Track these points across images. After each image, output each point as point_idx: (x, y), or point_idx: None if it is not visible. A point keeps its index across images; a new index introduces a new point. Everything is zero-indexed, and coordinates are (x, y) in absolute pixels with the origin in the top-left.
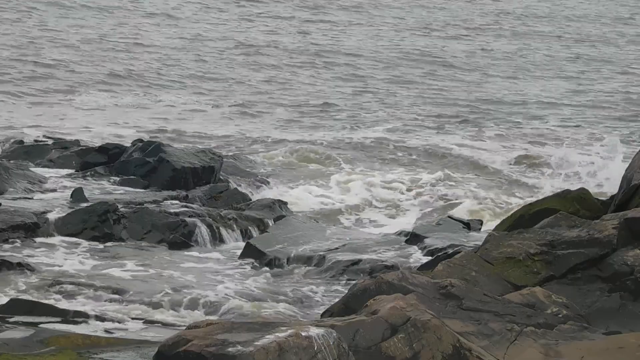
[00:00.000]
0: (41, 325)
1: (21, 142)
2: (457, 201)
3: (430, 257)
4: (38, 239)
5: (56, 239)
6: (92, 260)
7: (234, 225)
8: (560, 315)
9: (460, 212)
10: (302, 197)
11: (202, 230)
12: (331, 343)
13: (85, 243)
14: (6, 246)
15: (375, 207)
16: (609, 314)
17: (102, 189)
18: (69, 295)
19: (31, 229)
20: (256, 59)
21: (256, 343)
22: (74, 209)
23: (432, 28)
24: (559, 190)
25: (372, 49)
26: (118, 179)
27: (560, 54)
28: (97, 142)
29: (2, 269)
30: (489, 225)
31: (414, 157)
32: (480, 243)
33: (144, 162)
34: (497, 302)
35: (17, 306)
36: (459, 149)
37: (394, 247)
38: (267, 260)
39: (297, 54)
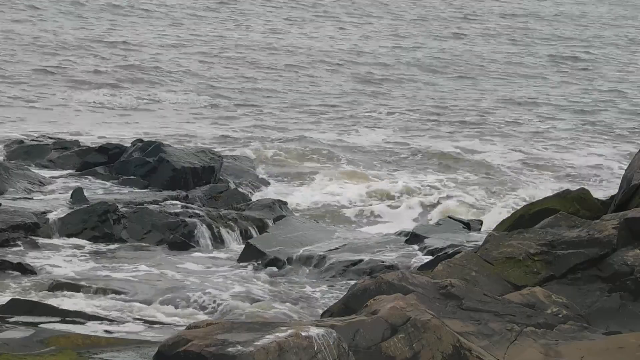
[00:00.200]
0: (41, 325)
1: (21, 142)
2: (457, 201)
3: (430, 257)
4: (38, 239)
5: (56, 239)
6: (92, 261)
7: (234, 226)
8: (560, 315)
9: (460, 213)
10: (302, 197)
11: (202, 231)
12: (331, 343)
13: (85, 243)
14: (6, 246)
15: (376, 207)
16: (609, 314)
17: (102, 189)
18: (69, 296)
19: (31, 229)
20: (256, 59)
21: (256, 343)
22: (74, 209)
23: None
24: (559, 190)
25: (372, 50)
26: (118, 179)
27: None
28: (97, 142)
29: (2, 269)
30: (489, 225)
31: (415, 157)
32: (480, 243)
33: (144, 162)
34: (497, 302)
35: (17, 306)
36: (459, 150)
37: (394, 247)
38: (267, 260)
39: (296, 54)
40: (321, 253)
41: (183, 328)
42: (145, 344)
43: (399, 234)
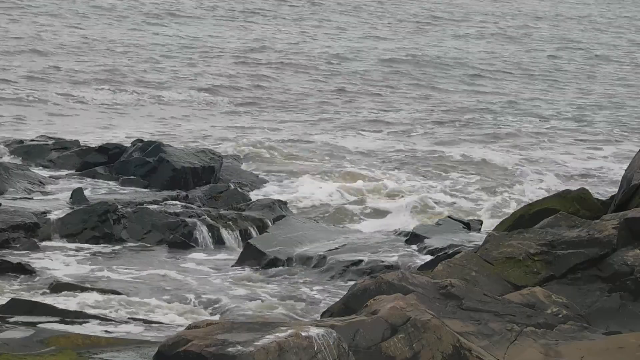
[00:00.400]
0: (41, 325)
1: (21, 142)
2: (457, 202)
3: (430, 257)
4: (38, 239)
5: (56, 239)
6: (92, 261)
7: (234, 226)
8: (560, 315)
9: (460, 213)
10: (302, 197)
11: (202, 231)
12: (331, 343)
13: (85, 243)
14: (6, 246)
15: (376, 207)
16: (609, 314)
17: (102, 189)
18: (69, 296)
19: (31, 229)
20: (256, 60)
21: (256, 343)
22: (74, 209)
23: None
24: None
25: (372, 51)
26: (118, 179)
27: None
28: (97, 142)
29: (2, 269)
30: (489, 225)
31: (415, 158)
32: (480, 243)
33: (144, 162)
34: (497, 302)
35: (17, 306)
36: (459, 150)
37: (394, 247)
38: (267, 260)
39: (297, 54)
40: (321, 253)
41: (183, 328)
42: (145, 344)
43: (399, 234)
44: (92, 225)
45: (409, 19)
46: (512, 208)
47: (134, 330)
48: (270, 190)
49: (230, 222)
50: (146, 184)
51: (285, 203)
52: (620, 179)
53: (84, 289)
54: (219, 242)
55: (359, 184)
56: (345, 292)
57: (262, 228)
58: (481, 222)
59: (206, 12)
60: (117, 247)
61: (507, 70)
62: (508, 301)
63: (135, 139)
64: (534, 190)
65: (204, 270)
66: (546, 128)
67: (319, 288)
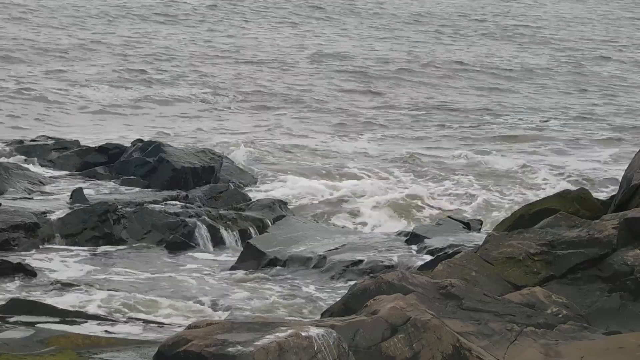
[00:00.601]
0: (41, 325)
1: (21, 142)
2: (457, 202)
3: (430, 257)
4: (38, 239)
5: (56, 239)
6: (92, 261)
7: (234, 226)
8: (560, 315)
9: (460, 213)
10: (302, 197)
11: (202, 231)
12: (331, 343)
13: (85, 243)
14: (6, 246)
15: (376, 207)
16: (609, 314)
17: (102, 189)
18: (69, 296)
19: (31, 229)
20: (257, 60)
21: (256, 343)
22: (74, 209)
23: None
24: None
25: (373, 51)
26: (118, 179)
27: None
28: (97, 142)
29: (2, 269)
30: (489, 225)
31: (415, 158)
32: (480, 243)
33: (144, 162)
34: (497, 302)
35: (17, 306)
36: (459, 151)
37: (394, 247)
38: (267, 260)
39: (297, 54)
40: (321, 253)
41: (183, 328)
42: (145, 344)
43: (399, 234)
44: (92, 225)
45: (404, 20)
46: (513, 208)
47: (134, 330)
48: (270, 190)
49: (230, 222)
50: (146, 184)
51: (285, 203)
52: (620, 179)
53: (84, 289)
54: (219, 242)
55: (359, 184)
56: (345, 292)
57: (262, 228)
58: (481, 222)
59: (206, 11)
60: (117, 247)
61: (507, 70)
62: (508, 301)
63: (135, 139)
64: (533, 190)
65: (204, 270)
66: (546, 128)
67: (319, 288)
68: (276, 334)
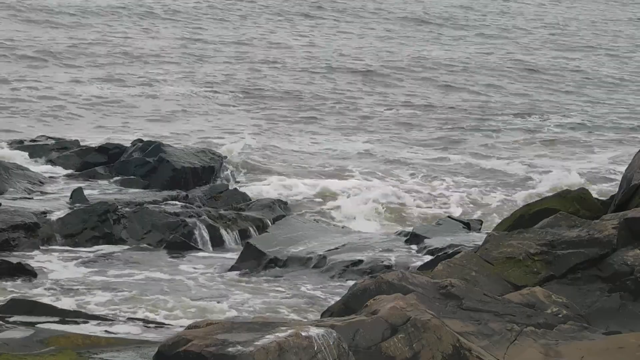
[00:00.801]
0: (41, 325)
1: (21, 142)
2: (456, 202)
3: (430, 257)
4: (38, 239)
5: (56, 239)
6: (92, 261)
7: (234, 226)
8: (560, 315)
9: (460, 213)
10: (301, 197)
11: (202, 231)
12: (331, 343)
13: (85, 243)
14: (6, 246)
15: (375, 207)
16: (609, 314)
17: (102, 189)
18: (69, 295)
19: (31, 229)
20: (257, 61)
21: (256, 343)
22: (74, 209)
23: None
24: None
25: (372, 51)
26: (118, 179)
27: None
28: (97, 142)
29: (2, 269)
30: (489, 225)
31: (416, 159)
32: (480, 243)
33: (144, 162)
34: (497, 302)
35: (17, 306)
36: (459, 152)
37: (394, 247)
38: (267, 260)
39: (297, 56)
40: (321, 253)
41: (183, 328)
42: (145, 344)
43: (399, 234)
44: (92, 225)
45: (402, 21)
46: (512, 208)
47: (134, 330)
48: (269, 191)
49: (230, 222)
50: (146, 184)
51: (285, 203)
52: (619, 179)
53: (84, 289)
54: (219, 242)
55: (361, 184)
56: (345, 292)
57: (262, 228)
58: (481, 222)
59: (205, 11)
60: (117, 247)
61: (506, 71)
62: (508, 301)
63: (135, 138)
64: (533, 190)
65: (204, 270)
66: (545, 129)
67: (319, 288)
68: (276, 334)
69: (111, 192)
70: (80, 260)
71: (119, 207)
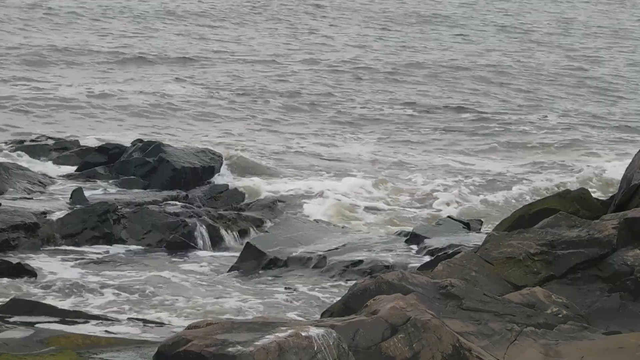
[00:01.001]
0: (41, 325)
1: (21, 142)
2: (456, 202)
3: (430, 257)
4: (38, 239)
5: (56, 239)
6: (92, 261)
7: (234, 226)
8: (560, 315)
9: (460, 214)
10: (301, 197)
11: (202, 231)
12: (331, 343)
13: (85, 243)
14: (6, 246)
15: (376, 207)
16: (609, 314)
17: (102, 188)
18: (69, 296)
19: (31, 229)
20: (259, 61)
21: (256, 343)
22: (73, 209)
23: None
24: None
25: (372, 53)
26: (118, 179)
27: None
28: (97, 142)
29: (2, 269)
30: (489, 225)
31: (416, 159)
32: (480, 243)
33: (144, 162)
34: (497, 302)
35: (17, 306)
36: (458, 153)
37: (394, 247)
38: (267, 260)
39: (298, 57)
40: (321, 253)
41: (183, 328)
42: (145, 344)
43: (399, 234)
44: (92, 225)
45: (401, 21)
46: (512, 208)
47: (134, 330)
48: (268, 191)
49: (230, 222)
50: (146, 184)
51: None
52: (619, 179)
53: (83, 289)
54: (219, 242)
55: (362, 184)
56: (345, 292)
57: (262, 228)
58: (481, 222)
59: (205, 10)
60: (117, 248)
61: (507, 67)
62: (508, 301)
63: (135, 139)
64: (533, 191)
65: (204, 270)
66: (545, 129)
67: (319, 288)
68: (276, 334)
69: (111, 192)
70: (80, 260)
71: (119, 207)
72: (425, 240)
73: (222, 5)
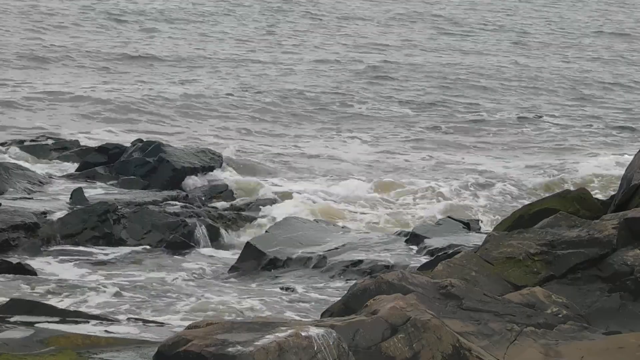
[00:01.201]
0: (41, 325)
1: (21, 142)
2: (455, 203)
3: (430, 257)
4: (38, 239)
5: (56, 239)
6: (92, 261)
7: (234, 226)
8: (560, 315)
9: (459, 214)
10: (301, 197)
11: (202, 231)
12: (331, 343)
13: (85, 243)
14: (6, 246)
15: (375, 207)
16: (609, 314)
17: (102, 189)
18: (69, 296)
19: (31, 229)
20: (258, 62)
21: (256, 343)
22: (74, 209)
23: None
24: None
25: (374, 54)
26: (118, 179)
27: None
28: (97, 142)
29: (2, 269)
30: (489, 225)
31: (415, 160)
32: (480, 243)
33: (144, 162)
34: (497, 302)
35: (17, 306)
36: (458, 154)
37: (394, 247)
38: (267, 260)
39: (299, 58)
40: (321, 253)
41: (183, 328)
42: (145, 344)
43: (399, 234)
44: (92, 225)
45: (401, 23)
46: (512, 208)
47: (134, 330)
48: (268, 191)
49: (230, 222)
50: (146, 184)
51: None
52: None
53: (84, 289)
54: (218, 242)
55: (361, 184)
56: (345, 292)
57: (261, 228)
58: (481, 222)
59: (203, 11)
60: (117, 248)
61: (501, 69)
62: (508, 301)
63: (135, 138)
64: (533, 192)
65: (204, 270)
66: (544, 130)
67: (319, 288)
68: (276, 334)
69: (111, 192)
70: (80, 260)
71: (119, 207)
72: (425, 240)
73: (223, 5)
